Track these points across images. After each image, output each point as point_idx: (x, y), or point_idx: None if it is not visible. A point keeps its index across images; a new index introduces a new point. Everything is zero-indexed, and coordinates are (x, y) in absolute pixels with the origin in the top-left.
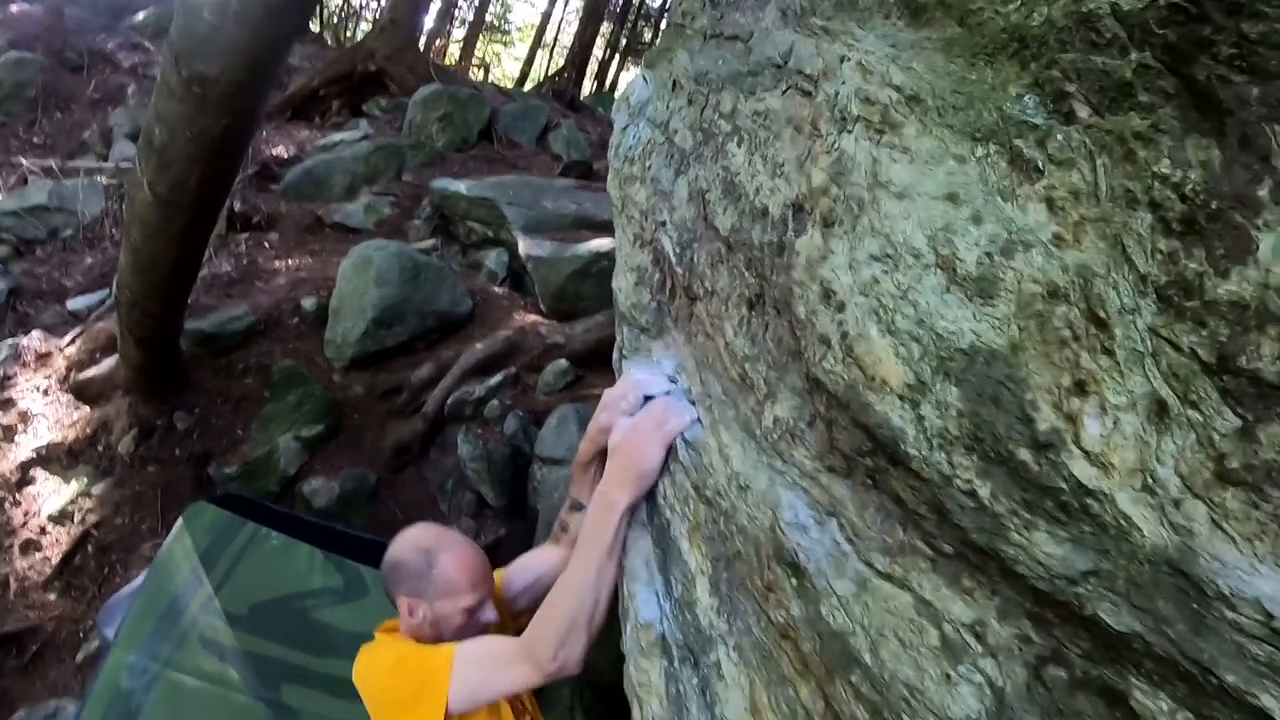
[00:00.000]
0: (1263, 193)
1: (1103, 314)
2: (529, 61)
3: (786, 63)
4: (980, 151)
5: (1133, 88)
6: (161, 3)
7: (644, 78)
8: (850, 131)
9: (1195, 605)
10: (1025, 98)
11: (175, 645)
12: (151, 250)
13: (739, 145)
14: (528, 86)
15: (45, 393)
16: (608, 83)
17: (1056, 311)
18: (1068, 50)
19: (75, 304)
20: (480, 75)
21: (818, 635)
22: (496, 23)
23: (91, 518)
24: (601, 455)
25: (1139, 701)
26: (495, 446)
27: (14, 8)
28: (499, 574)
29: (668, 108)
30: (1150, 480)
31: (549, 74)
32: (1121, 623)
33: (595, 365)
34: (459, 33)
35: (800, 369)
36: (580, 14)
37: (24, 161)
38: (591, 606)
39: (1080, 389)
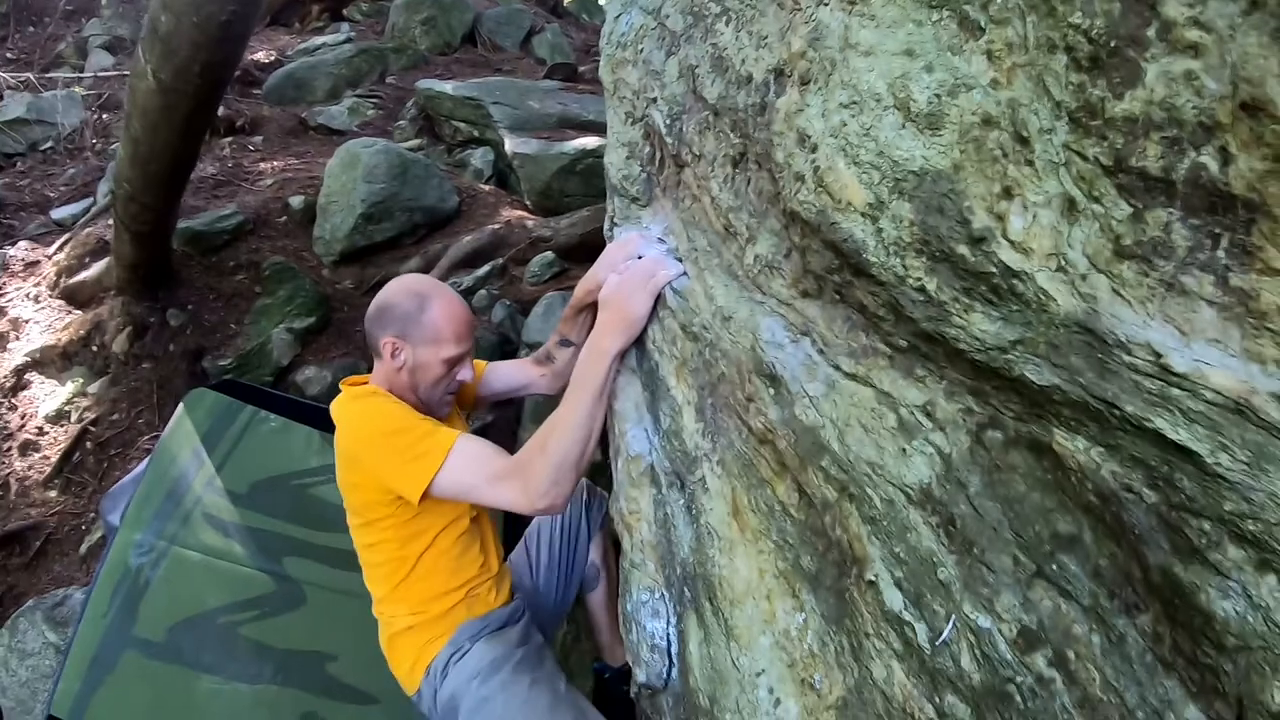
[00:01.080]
0: (1150, 32)
1: (1026, 134)
2: None
3: None
4: (935, 17)
5: None
6: None
7: None
8: (826, 4)
9: (1100, 355)
10: None
11: (180, 523)
12: (152, 140)
13: (727, 24)
14: None
15: (36, 299)
16: None
17: (990, 136)
18: None
19: (59, 214)
20: None
21: (793, 432)
22: None
23: (89, 415)
24: (592, 304)
25: (1060, 444)
26: (483, 334)
27: None
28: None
29: None
30: (1063, 261)
31: None
32: (1044, 379)
33: (580, 257)
34: None
35: (778, 210)
36: None
37: (1, 75)
38: (583, 444)
39: (1007, 194)
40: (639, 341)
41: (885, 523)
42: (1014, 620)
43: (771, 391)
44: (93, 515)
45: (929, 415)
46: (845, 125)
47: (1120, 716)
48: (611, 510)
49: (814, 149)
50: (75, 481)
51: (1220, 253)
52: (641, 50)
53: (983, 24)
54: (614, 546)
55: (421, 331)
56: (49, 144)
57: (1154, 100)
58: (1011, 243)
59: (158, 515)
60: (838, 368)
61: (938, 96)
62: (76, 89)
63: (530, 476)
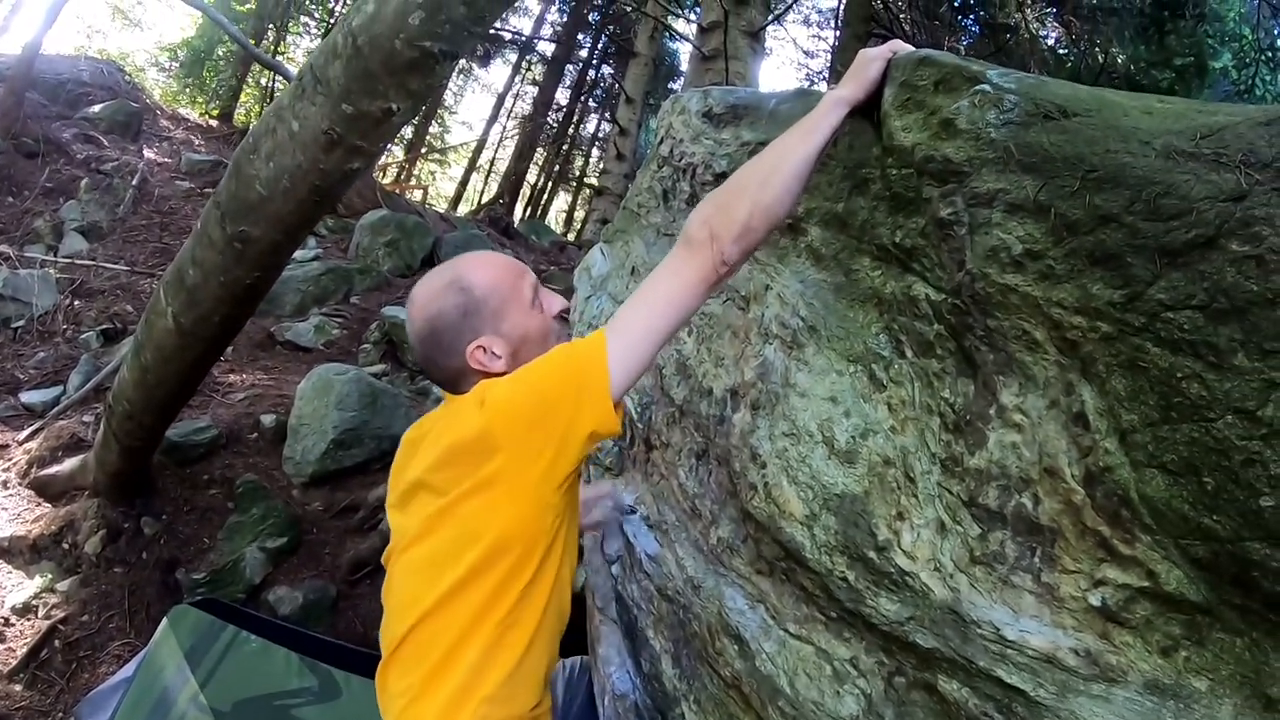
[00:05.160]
0: (991, 411)
1: (913, 475)
2: (464, 183)
3: None
4: (851, 369)
5: (934, 345)
6: (117, 98)
7: (602, 252)
8: (771, 344)
9: (963, 629)
10: (880, 336)
11: None
12: (161, 371)
13: (689, 335)
14: (462, 207)
15: (4, 485)
16: (540, 208)
17: (889, 472)
18: (903, 315)
19: (29, 398)
20: (419, 196)
21: (754, 680)
22: (434, 143)
23: (58, 613)
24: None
25: (942, 686)
26: None
27: None
28: None
29: (627, 289)
30: (938, 564)
31: (482, 197)
32: (928, 643)
33: None
34: (398, 151)
35: (736, 504)
36: (516, 139)
37: None
38: (793, 198)
39: (900, 516)
40: (618, 597)
41: None
42: None
43: (736, 648)
44: (60, 715)
45: (854, 666)
46: (787, 450)
47: None
48: None
49: (764, 466)
50: (42, 679)
51: (1036, 560)
52: None
53: (885, 381)
54: None
55: (491, 308)
56: (21, 322)
57: (993, 460)
58: (904, 551)
59: None
60: (786, 630)
61: (854, 438)
62: (51, 270)
63: (718, 231)
